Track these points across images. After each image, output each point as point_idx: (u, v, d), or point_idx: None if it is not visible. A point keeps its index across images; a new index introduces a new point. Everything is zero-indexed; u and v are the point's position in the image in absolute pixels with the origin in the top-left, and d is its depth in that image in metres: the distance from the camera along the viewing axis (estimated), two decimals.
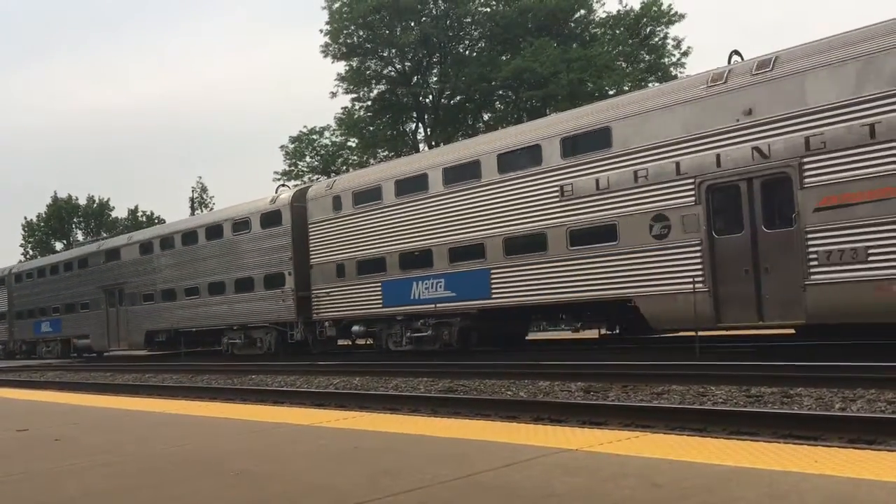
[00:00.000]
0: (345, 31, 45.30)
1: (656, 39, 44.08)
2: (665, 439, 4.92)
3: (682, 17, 43.09)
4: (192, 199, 57.80)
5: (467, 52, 46.37)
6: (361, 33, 45.35)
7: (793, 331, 14.49)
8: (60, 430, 7.04)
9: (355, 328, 20.21)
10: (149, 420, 7.63)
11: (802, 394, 8.94)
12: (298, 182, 45.38)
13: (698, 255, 13.32)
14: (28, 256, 63.76)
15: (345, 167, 47.23)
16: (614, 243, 14.49)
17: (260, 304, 22.80)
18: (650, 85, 38.16)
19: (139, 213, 67.87)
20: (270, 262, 22.39)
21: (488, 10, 45.45)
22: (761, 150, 12.64)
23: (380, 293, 19.21)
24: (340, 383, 14.44)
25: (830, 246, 11.87)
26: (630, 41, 43.46)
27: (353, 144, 49.25)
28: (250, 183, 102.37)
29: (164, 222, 47.70)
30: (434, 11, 44.95)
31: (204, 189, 59.29)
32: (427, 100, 47.05)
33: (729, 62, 14.10)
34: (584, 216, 15.02)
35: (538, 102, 40.45)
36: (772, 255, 12.58)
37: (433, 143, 43.35)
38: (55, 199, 67.98)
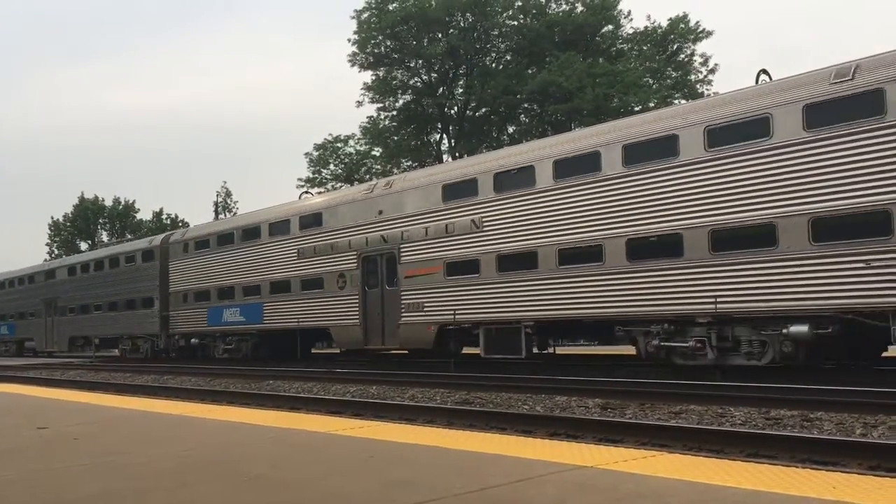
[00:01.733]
0: (372, 41, 45.63)
1: (683, 56, 43.92)
2: (682, 460, 4.88)
3: (709, 34, 42.96)
4: (216, 204, 58.35)
5: (493, 65, 46.48)
6: (389, 43, 45.65)
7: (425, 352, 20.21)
8: (80, 428, 7.11)
9: (193, 340, 27.28)
10: (166, 422, 7.69)
11: (823, 418, 8.83)
12: (322, 189, 45.64)
13: (357, 301, 20.33)
14: (53, 256, 64.55)
15: (368, 176, 47.45)
16: (322, 290, 21.49)
17: (139, 320, 29.68)
18: (676, 102, 38.01)
19: (164, 216, 68.52)
20: (147, 288, 29.17)
21: (516, 23, 45.58)
22: (385, 237, 19.72)
23: (205, 316, 26.26)
24: (357, 392, 14.46)
25: (410, 300, 18.91)
26: (657, 57, 43.35)
27: (378, 154, 49.47)
28: (274, 189, 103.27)
29: (189, 226, 48.53)
30: (462, 23, 45.15)
31: (228, 194, 59.83)
32: (452, 111, 47.20)
33: (757, 81, 14.33)
34: (308, 270, 22.02)
35: (563, 117, 40.47)
36: (389, 304, 19.51)
37: (457, 154, 43.46)
38: (82, 199, 68.79)
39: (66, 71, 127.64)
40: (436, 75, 46.65)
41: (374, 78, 46.67)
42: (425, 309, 18.49)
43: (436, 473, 4.51)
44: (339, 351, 25.53)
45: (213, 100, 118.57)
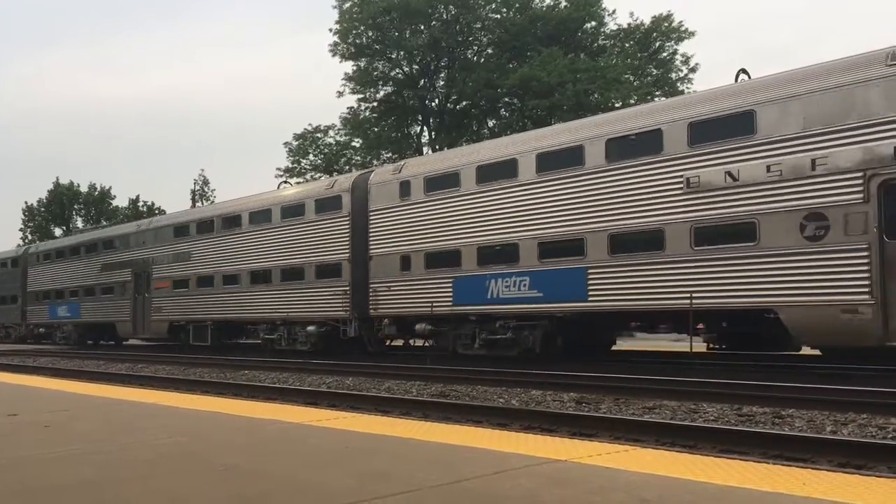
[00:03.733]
0: (354, 32, 45.36)
1: (665, 54, 44.09)
2: (655, 454, 4.92)
3: (692, 34, 43.14)
4: (193, 192, 57.98)
5: (475, 58, 46.37)
6: (370, 34, 45.41)
7: None
8: (51, 416, 7.04)
9: (41, 329, 35.87)
10: (140, 411, 7.62)
11: (794, 415, 8.94)
12: (301, 179, 45.36)
13: (129, 304, 28.69)
14: (27, 241, 63.71)
15: (348, 167, 47.22)
16: (113, 295, 29.75)
17: (8, 313, 38.03)
18: (657, 99, 38.19)
19: (140, 203, 67.86)
20: (14, 288, 37.64)
21: (498, 16, 45.49)
22: (144, 260, 28.09)
23: (48, 311, 35.00)
24: (333, 383, 14.43)
25: (156, 304, 27.28)
26: (639, 55, 43.48)
27: (357, 145, 49.23)
28: (252, 177, 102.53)
29: (165, 213, 48.65)
30: (444, 15, 45.00)
31: (206, 182, 59.43)
32: (433, 103, 47.06)
33: (736, 79, 14.65)
34: (106, 281, 30.33)
35: (543, 112, 40.47)
36: (147, 307, 27.75)
37: (437, 147, 43.36)
38: (57, 184, 67.92)
39: (43, 56, 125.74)
40: (417, 67, 46.48)
41: (355, 68, 46.45)
42: (163, 311, 26.94)
43: (411, 465, 4.51)
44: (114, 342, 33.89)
45: (197, 88, 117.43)
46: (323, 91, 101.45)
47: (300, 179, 45.23)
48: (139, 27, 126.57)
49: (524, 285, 15.95)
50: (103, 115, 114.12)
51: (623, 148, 14.64)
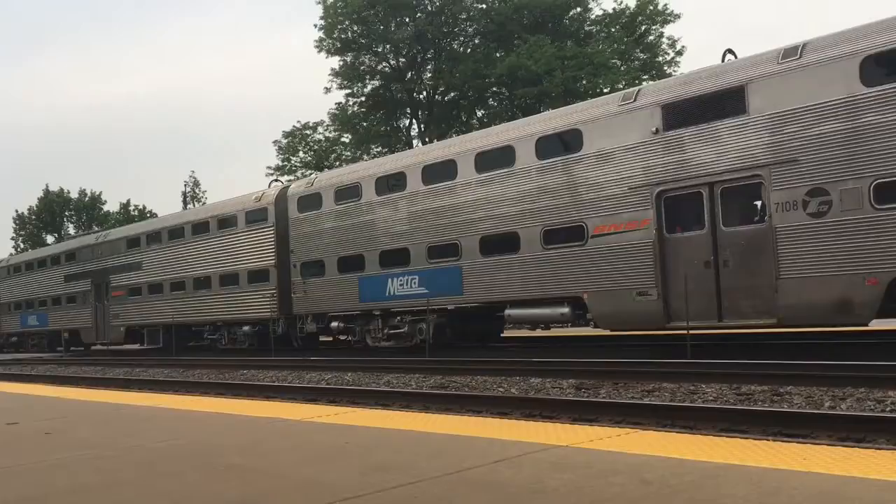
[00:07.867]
0: (339, 27, 45.14)
1: (651, 38, 44.02)
2: (655, 436, 4.94)
3: (677, 16, 43.07)
4: (184, 194, 57.78)
5: (462, 49, 46.20)
6: (356, 28, 45.18)
7: None
8: (51, 423, 7.02)
9: None
10: (139, 414, 7.62)
11: (792, 392, 8.97)
12: (291, 177, 45.22)
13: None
14: (19, 250, 63.49)
15: (338, 163, 47.09)
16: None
17: None
18: (645, 81, 38.16)
19: (131, 207, 67.65)
20: None
21: (483, 6, 45.31)
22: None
23: None
24: (332, 379, 14.42)
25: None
26: (625, 39, 43.41)
27: (347, 140, 49.07)
28: (243, 177, 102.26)
29: (156, 216, 48.48)
30: (429, 7, 44.78)
31: (196, 183, 59.22)
32: (421, 96, 46.90)
33: (723, 60, 14.57)
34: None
35: (532, 100, 40.39)
36: None
37: (427, 140, 43.27)
38: (47, 192, 67.65)
39: (25, 62, 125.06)
40: (404, 60, 46.28)
41: (341, 64, 46.27)
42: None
43: (413, 457, 4.52)
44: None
45: (174, 92, 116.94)
46: (311, 86, 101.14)
47: (291, 177, 45.05)
48: (118, 29, 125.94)
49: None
50: (90, 119, 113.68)
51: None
